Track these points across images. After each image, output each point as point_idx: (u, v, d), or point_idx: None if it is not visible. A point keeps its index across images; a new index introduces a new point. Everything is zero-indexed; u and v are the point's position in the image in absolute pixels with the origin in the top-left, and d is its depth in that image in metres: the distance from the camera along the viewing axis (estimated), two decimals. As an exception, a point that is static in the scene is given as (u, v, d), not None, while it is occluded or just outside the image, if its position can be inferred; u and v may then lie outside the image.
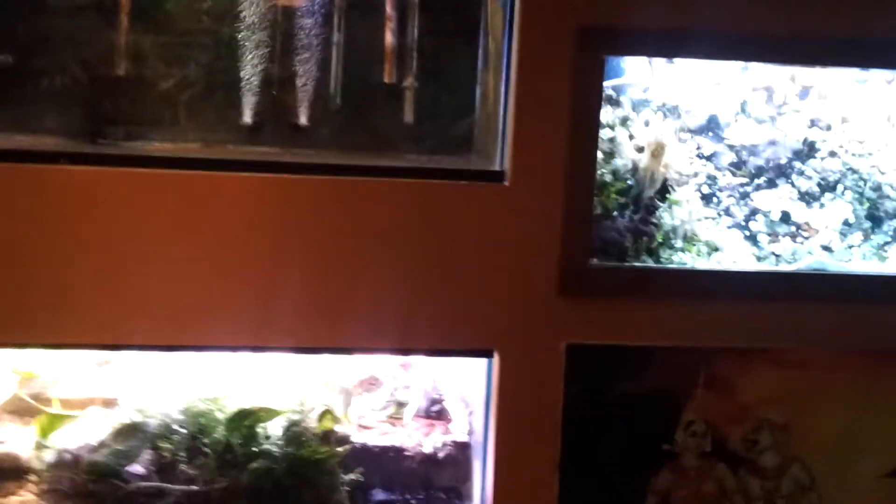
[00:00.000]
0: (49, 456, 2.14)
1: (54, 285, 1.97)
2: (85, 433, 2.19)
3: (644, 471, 2.21)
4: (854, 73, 2.32)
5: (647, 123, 2.21)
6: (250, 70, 2.10)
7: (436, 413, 2.41)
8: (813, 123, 2.34)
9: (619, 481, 2.21)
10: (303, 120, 2.14)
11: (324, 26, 2.11)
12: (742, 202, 2.27)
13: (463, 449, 2.29)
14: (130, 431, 2.18)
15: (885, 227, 2.29)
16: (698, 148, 2.27)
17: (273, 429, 2.20)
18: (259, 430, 2.19)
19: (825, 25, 2.09)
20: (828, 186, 2.29)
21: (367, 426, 2.33)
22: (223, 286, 2.01)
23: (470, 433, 2.30)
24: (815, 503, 2.25)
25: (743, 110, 2.32)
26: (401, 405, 2.40)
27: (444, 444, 2.29)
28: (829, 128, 2.33)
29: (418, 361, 2.40)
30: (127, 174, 1.98)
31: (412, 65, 2.17)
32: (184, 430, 2.18)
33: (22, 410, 2.27)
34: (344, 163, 2.09)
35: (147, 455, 2.18)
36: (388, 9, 2.12)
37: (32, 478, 2.15)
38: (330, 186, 2.03)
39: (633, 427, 2.20)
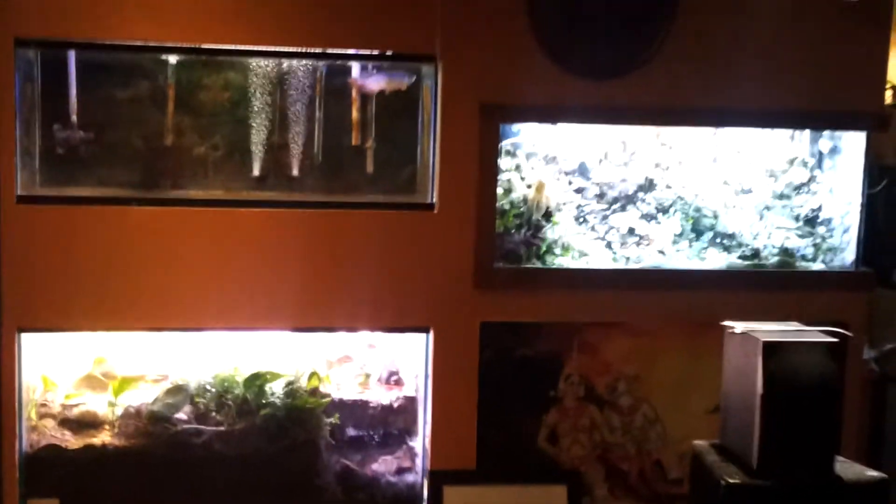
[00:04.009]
0: (119, 410, 2.89)
1: (124, 288, 2.76)
2: (144, 393, 2.93)
3: (537, 411, 2.98)
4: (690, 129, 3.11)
5: (532, 168, 3.04)
6: (258, 139, 2.88)
7: (394, 381, 3.13)
8: (657, 165, 3.17)
9: (520, 419, 2.98)
10: (295, 172, 2.91)
11: (308, 107, 2.91)
12: (603, 221, 3.06)
13: (412, 401, 3.03)
14: (176, 391, 2.91)
15: (703, 238, 3.10)
16: (570, 184, 3.07)
17: (276, 387, 2.92)
18: (266, 388, 2.91)
19: (661, 96, 2.92)
20: (663, 209, 3.11)
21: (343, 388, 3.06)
22: (241, 286, 2.80)
23: (416, 390, 3.03)
24: (660, 432, 3.06)
25: (605, 157, 3.12)
26: (368, 376, 3.14)
27: (398, 398, 3.04)
28: (667, 168, 3.17)
29: (381, 343, 3.12)
30: (174, 211, 2.78)
31: (371, 132, 2.93)
32: (213, 389, 2.91)
33: (95, 384, 3.01)
34: (325, 200, 2.87)
35: (188, 407, 2.90)
36: (354, 93, 2.91)
37: (107, 426, 2.90)
38: (315, 217, 2.82)
39: (528, 380, 2.96)
